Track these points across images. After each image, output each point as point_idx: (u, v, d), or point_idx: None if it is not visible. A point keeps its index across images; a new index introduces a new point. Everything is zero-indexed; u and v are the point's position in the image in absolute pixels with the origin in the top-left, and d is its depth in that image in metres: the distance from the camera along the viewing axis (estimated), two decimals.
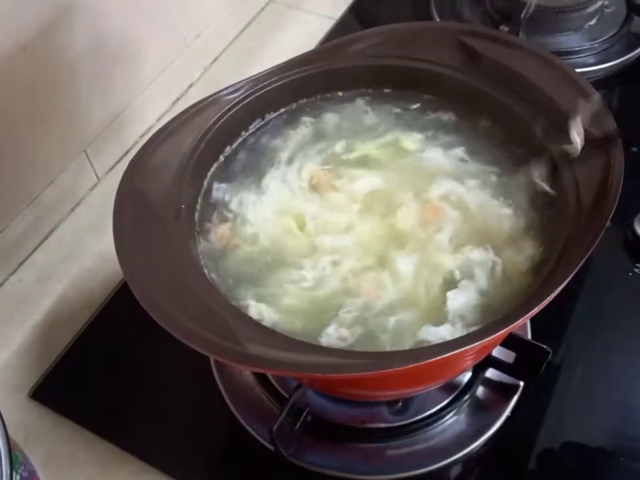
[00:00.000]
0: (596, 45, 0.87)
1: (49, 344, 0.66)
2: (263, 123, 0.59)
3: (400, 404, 0.57)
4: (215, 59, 0.94)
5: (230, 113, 0.55)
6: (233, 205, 0.54)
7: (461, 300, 0.47)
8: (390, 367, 0.38)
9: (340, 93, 0.61)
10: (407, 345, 0.45)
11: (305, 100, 0.60)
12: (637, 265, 0.67)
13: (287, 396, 0.57)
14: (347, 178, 0.55)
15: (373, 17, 0.98)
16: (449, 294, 0.47)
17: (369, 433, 0.57)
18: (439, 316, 0.46)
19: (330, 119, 0.60)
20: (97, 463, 0.58)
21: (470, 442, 0.56)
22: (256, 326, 0.44)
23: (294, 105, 0.60)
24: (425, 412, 0.57)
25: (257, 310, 0.47)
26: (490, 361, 0.58)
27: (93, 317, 0.67)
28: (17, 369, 0.64)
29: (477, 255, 0.49)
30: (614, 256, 0.68)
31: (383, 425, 0.57)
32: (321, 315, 0.47)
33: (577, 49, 0.86)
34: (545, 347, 0.53)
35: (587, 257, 0.42)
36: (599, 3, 0.87)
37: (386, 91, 0.61)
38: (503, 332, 0.40)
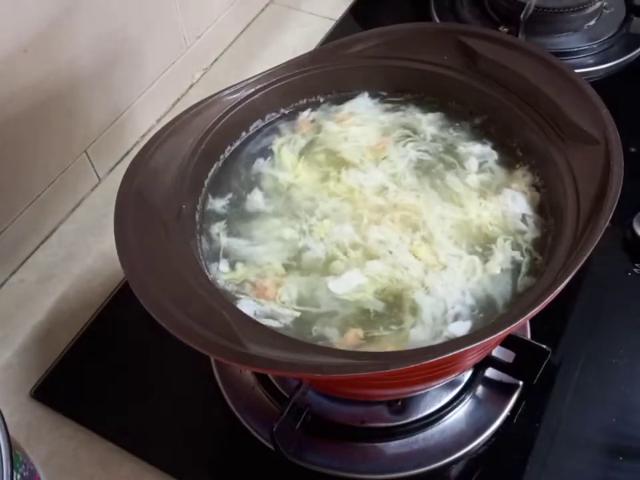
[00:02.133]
0: (595, 46, 0.87)
1: (50, 344, 0.66)
2: (263, 123, 0.59)
3: (400, 403, 0.57)
4: (215, 60, 0.94)
5: (230, 114, 0.55)
6: None
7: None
8: (390, 367, 0.38)
9: (339, 94, 0.61)
10: None
11: (305, 101, 0.61)
12: (637, 265, 0.67)
13: (287, 396, 0.57)
14: None
15: (372, 18, 0.98)
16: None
17: (369, 433, 0.57)
18: None
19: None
20: (97, 462, 0.58)
21: (469, 441, 0.56)
22: (256, 326, 0.44)
23: (294, 106, 0.60)
24: (424, 411, 0.57)
25: None
26: (489, 361, 0.58)
27: (94, 316, 0.67)
28: (18, 368, 0.64)
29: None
30: (614, 256, 0.68)
31: (382, 425, 0.57)
32: None
33: (576, 49, 0.87)
34: (544, 346, 0.53)
35: (586, 257, 0.42)
36: (598, 4, 0.87)
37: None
38: (502, 332, 0.40)
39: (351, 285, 0.49)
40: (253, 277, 0.50)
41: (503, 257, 0.50)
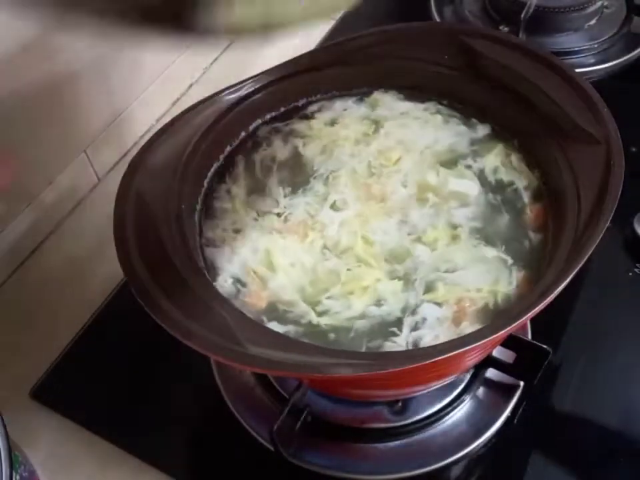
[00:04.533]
0: (596, 45, 0.87)
1: (49, 344, 0.65)
2: (262, 122, 0.59)
3: (400, 404, 0.57)
4: (215, 59, 0.94)
5: (230, 113, 0.55)
6: None
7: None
8: (390, 368, 0.38)
9: (339, 93, 0.61)
10: None
11: (304, 100, 0.60)
12: (637, 264, 0.67)
13: (287, 396, 0.57)
14: None
15: (373, 17, 0.98)
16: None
17: (369, 433, 0.57)
18: None
19: None
20: (97, 462, 0.58)
21: (470, 442, 0.56)
22: (256, 326, 0.44)
23: (293, 105, 0.60)
24: (424, 412, 0.57)
25: None
26: (490, 361, 0.58)
27: (93, 317, 0.67)
28: (18, 369, 0.64)
29: None
30: (614, 256, 0.68)
31: (382, 425, 0.57)
32: None
33: (577, 49, 0.86)
34: (545, 347, 0.53)
35: (587, 257, 0.42)
36: (599, 3, 0.87)
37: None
38: (503, 333, 0.40)
39: None
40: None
41: None
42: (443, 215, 0.53)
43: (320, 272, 0.50)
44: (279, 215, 0.54)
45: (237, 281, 0.50)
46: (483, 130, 0.58)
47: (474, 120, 0.58)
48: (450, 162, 0.56)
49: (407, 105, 0.60)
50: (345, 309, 0.48)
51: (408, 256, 0.50)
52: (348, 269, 0.50)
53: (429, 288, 0.49)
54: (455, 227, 0.52)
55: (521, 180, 0.54)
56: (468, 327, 0.46)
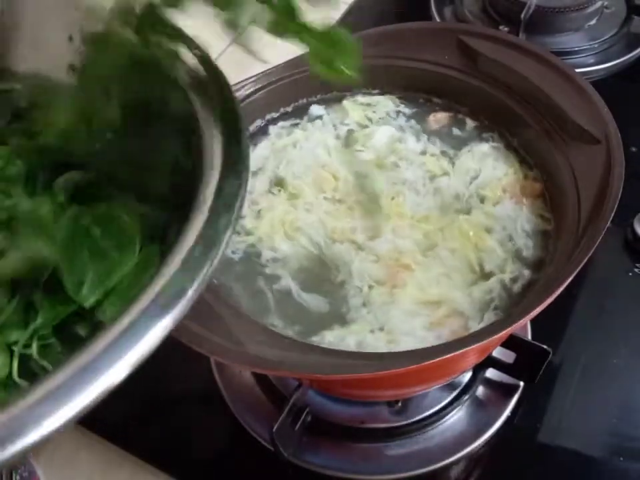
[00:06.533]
0: (596, 45, 0.87)
1: None
2: (263, 123, 0.59)
3: (400, 404, 0.57)
4: (215, 60, 0.94)
5: None
6: None
7: None
8: (390, 368, 0.38)
9: (339, 94, 0.61)
10: None
11: (305, 100, 0.60)
12: (637, 264, 0.67)
13: (287, 396, 0.57)
14: None
15: (373, 18, 0.98)
16: None
17: (369, 433, 0.57)
18: None
19: None
20: (97, 462, 0.58)
21: (470, 442, 0.56)
22: (256, 326, 0.44)
23: (293, 105, 0.60)
24: (424, 412, 0.57)
25: None
26: (490, 361, 0.58)
27: None
28: None
29: None
30: (614, 256, 0.68)
31: (382, 425, 0.57)
32: None
33: (577, 49, 0.86)
34: (545, 347, 0.53)
35: (587, 257, 0.42)
36: (599, 3, 0.87)
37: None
38: (503, 333, 0.40)
39: None
40: None
41: None
42: (411, 156, 0.57)
43: (455, 264, 0.50)
44: (370, 286, 0.49)
45: None
46: (317, 111, 0.61)
47: (306, 110, 0.61)
48: (350, 141, 0.59)
49: (270, 139, 0.59)
50: (501, 261, 0.50)
51: (446, 193, 0.54)
52: (453, 241, 0.51)
53: (481, 199, 0.53)
54: (426, 152, 0.57)
55: (386, 106, 0.60)
56: (530, 202, 0.53)
